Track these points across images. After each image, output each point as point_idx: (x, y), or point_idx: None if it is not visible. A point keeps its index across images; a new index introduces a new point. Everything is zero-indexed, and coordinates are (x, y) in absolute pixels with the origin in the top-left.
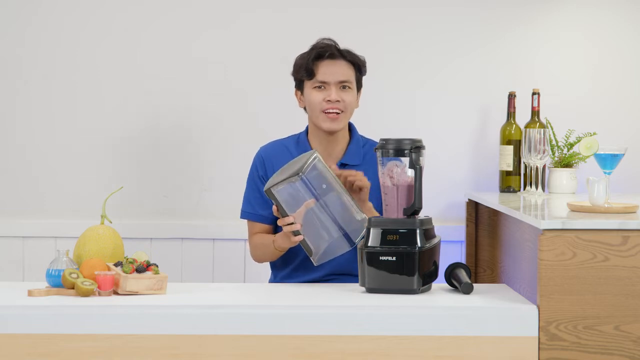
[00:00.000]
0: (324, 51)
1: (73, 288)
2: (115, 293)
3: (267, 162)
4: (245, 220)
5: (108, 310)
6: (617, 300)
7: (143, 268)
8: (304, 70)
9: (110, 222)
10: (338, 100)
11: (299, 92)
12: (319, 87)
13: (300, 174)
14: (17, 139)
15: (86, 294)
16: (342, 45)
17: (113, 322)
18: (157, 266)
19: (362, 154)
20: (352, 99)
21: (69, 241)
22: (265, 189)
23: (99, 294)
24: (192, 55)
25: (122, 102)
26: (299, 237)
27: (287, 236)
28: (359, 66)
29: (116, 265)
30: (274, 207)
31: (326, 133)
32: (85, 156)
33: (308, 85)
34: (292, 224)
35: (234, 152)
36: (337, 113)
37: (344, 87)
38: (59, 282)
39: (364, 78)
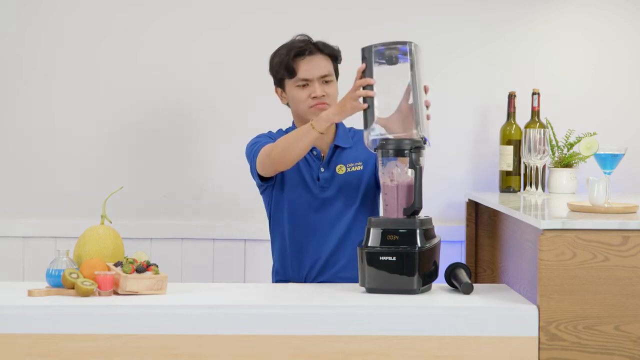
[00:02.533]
0: (303, 49)
1: (73, 288)
2: (115, 293)
3: (278, 135)
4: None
5: (108, 310)
6: (617, 300)
7: (143, 268)
8: (284, 69)
9: (110, 222)
10: (323, 95)
11: (279, 90)
12: (302, 84)
13: (411, 47)
14: (17, 139)
15: (86, 294)
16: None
17: (113, 322)
18: (157, 266)
19: (350, 137)
20: (334, 91)
21: (69, 241)
22: (364, 46)
23: (99, 294)
24: (192, 55)
25: (122, 102)
26: (365, 105)
27: (352, 99)
28: (335, 57)
29: (116, 265)
30: (362, 66)
31: None
32: (86, 156)
33: (290, 83)
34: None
35: (234, 152)
36: (324, 105)
37: (325, 81)
38: (59, 282)
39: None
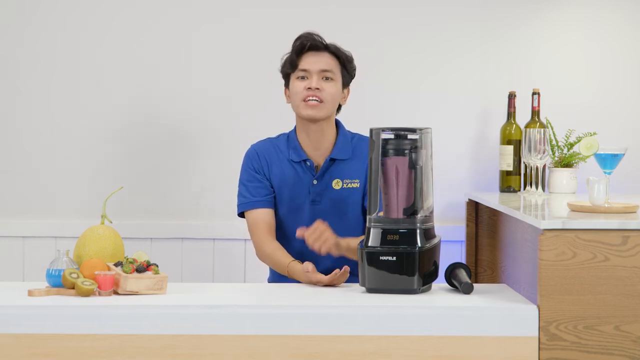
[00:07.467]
0: (306, 42)
1: (73, 288)
2: (115, 293)
3: (260, 156)
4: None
5: (108, 310)
6: (617, 300)
7: (143, 268)
8: (289, 63)
9: (111, 222)
10: (318, 89)
11: (287, 90)
12: (302, 77)
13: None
14: (17, 139)
15: (86, 294)
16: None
17: (113, 322)
18: (157, 266)
19: (350, 148)
20: (333, 91)
21: (69, 241)
22: (373, 128)
23: (99, 294)
24: (193, 55)
25: (122, 102)
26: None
27: (313, 280)
28: (342, 60)
29: (116, 265)
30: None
31: (310, 123)
32: (86, 156)
33: (293, 77)
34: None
35: (234, 152)
36: (317, 101)
37: (326, 78)
38: (59, 282)
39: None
